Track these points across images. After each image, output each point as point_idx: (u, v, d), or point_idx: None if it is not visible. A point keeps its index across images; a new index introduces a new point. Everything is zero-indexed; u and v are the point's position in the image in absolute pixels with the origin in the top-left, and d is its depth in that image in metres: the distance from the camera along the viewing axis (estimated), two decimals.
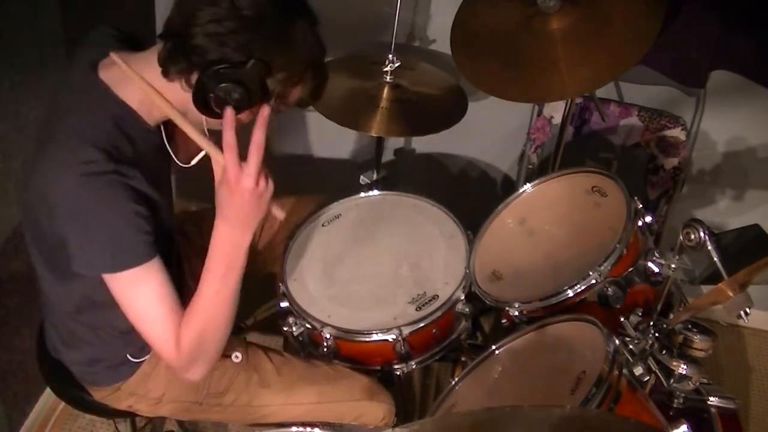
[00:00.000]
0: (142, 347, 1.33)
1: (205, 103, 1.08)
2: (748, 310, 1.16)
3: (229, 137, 1.07)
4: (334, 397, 1.42)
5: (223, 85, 1.05)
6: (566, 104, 1.79)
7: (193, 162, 1.21)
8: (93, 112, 1.10)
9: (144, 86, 1.12)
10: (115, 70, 1.13)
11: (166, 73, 1.10)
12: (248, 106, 1.08)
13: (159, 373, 1.35)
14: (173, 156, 1.24)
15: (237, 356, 1.40)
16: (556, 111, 2.04)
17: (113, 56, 1.13)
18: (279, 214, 1.19)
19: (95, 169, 1.04)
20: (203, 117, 1.12)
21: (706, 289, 1.17)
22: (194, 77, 1.07)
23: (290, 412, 1.41)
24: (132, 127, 1.13)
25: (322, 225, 1.69)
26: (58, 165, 1.06)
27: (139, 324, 1.15)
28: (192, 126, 1.14)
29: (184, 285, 1.40)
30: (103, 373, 1.34)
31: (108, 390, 1.35)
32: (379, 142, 1.93)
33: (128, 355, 1.33)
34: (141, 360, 1.34)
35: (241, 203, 1.10)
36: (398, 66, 1.75)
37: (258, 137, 1.08)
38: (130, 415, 1.47)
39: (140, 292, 1.12)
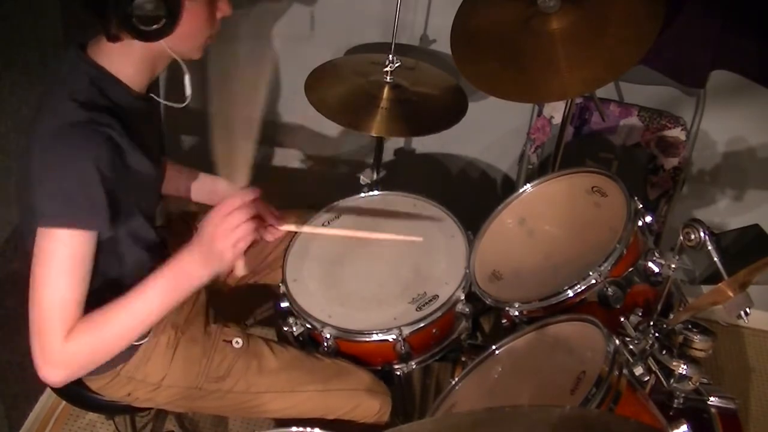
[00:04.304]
0: None
1: (139, 31, 1.08)
2: (748, 310, 1.16)
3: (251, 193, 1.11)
4: (333, 386, 1.41)
5: (134, 4, 1.06)
6: (566, 104, 1.79)
7: (188, 95, 1.21)
8: (73, 77, 1.14)
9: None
10: (98, 45, 1.16)
11: (114, 38, 1.12)
12: (176, 9, 1.09)
13: (159, 355, 1.35)
14: (167, 102, 1.26)
15: (238, 341, 1.41)
16: (556, 111, 2.04)
17: None
18: (240, 269, 1.17)
19: (70, 119, 1.07)
20: (166, 47, 1.14)
21: (706, 289, 1.17)
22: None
23: (289, 400, 1.41)
24: (112, 89, 1.15)
25: (323, 225, 1.69)
26: (40, 125, 1.09)
27: (39, 290, 1.09)
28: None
29: None
30: None
31: (107, 377, 1.35)
32: (379, 142, 1.93)
33: None
34: (139, 343, 1.34)
35: (216, 236, 1.09)
36: (398, 66, 1.75)
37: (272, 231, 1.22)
38: (129, 411, 1.47)
39: (61, 254, 1.08)
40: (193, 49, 1.20)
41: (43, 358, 1.11)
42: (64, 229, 1.08)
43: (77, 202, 1.08)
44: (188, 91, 1.22)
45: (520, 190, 1.66)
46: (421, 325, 1.44)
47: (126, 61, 1.16)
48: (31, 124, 1.15)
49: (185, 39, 1.15)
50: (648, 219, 1.45)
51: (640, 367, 1.22)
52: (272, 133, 2.39)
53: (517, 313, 1.44)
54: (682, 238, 1.19)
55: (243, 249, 1.12)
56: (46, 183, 1.08)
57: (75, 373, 1.15)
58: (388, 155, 2.36)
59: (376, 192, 1.79)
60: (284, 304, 1.52)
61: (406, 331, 1.43)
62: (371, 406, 1.43)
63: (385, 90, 1.74)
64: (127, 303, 1.13)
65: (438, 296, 1.50)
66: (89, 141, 1.07)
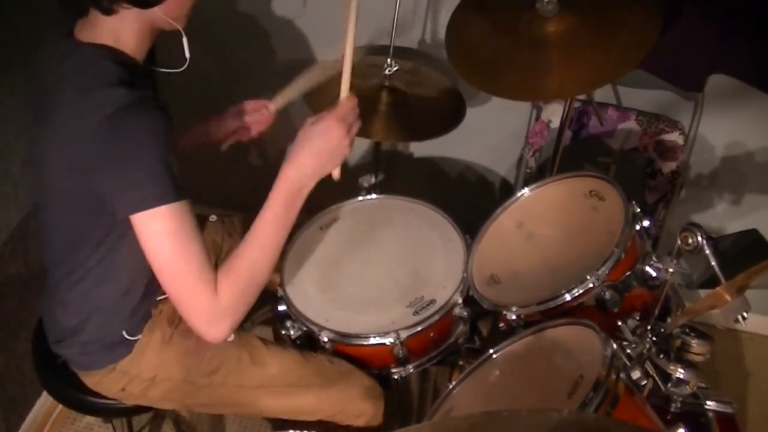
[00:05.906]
0: (138, 323, 1.34)
1: None
2: (745, 314, 1.16)
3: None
4: (328, 387, 1.41)
5: None
6: (564, 108, 1.79)
7: (187, 56, 1.21)
8: (86, 62, 1.12)
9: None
10: (90, 27, 1.15)
11: (108, 11, 1.11)
12: None
13: (153, 350, 1.35)
14: (163, 70, 1.26)
15: (230, 335, 1.41)
16: (554, 115, 2.04)
17: None
18: (336, 174, 1.27)
19: (120, 104, 1.06)
20: (161, 13, 1.13)
21: (703, 293, 1.17)
22: None
23: (281, 397, 1.40)
24: (127, 65, 1.14)
25: (320, 228, 1.69)
26: (74, 120, 1.08)
27: (175, 265, 1.12)
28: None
29: None
30: (98, 354, 1.34)
31: (102, 372, 1.35)
32: (378, 145, 1.94)
33: (124, 332, 1.33)
34: (136, 338, 1.34)
35: (327, 142, 1.22)
36: (396, 69, 1.75)
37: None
38: (125, 413, 1.47)
39: (184, 226, 1.11)
40: (182, 16, 1.19)
41: (207, 321, 1.16)
42: (173, 204, 1.09)
43: (166, 178, 1.09)
44: (187, 53, 1.21)
45: (518, 194, 1.66)
46: (419, 329, 1.44)
47: (126, 33, 1.15)
48: (41, 128, 1.13)
49: (178, 5, 1.15)
50: (646, 223, 1.45)
51: (637, 371, 1.22)
52: (270, 135, 2.39)
53: (514, 317, 1.44)
54: (679, 242, 1.19)
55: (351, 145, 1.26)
56: (127, 171, 1.08)
57: (237, 318, 1.20)
58: (386, 158, 2.36)
59: (374, 195, 1.79)
60: (282, 308, 1.52)
61: (404, 334, 1.43)
62: (364, 410, 1.43)
63: (383, 93, 1.74)
64: (251, 239, 1.19)
65: (435, 300, 1.50)
66: (151, 119, 1.08)
